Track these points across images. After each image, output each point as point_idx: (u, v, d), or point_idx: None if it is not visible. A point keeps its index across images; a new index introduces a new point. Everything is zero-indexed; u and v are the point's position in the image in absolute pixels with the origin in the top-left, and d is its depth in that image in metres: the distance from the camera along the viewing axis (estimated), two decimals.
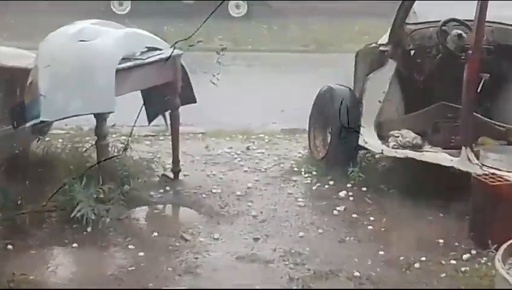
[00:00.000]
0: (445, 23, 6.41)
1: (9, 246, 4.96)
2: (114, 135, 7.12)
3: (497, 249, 4.83)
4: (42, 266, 4.76)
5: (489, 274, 4.61)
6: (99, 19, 6.25)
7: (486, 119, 6.02)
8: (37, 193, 5.53)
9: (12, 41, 9.92)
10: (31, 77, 5.48)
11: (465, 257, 4.96)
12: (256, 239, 5.29)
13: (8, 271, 4.58)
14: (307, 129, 7.24)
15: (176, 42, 5.88)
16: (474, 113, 5.79)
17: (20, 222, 5.21)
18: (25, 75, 5.56)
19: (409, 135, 6.26)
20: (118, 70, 5.53)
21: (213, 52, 6.34)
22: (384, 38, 6.72)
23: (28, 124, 5.46)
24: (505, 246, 3.49)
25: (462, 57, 5.92)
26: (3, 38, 11.81)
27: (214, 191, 6.26)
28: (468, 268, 4.77)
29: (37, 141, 6.46)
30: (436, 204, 5.83)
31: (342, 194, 6.19)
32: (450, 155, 5.84)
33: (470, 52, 5.70)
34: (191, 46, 5.91)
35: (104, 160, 5.58)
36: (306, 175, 6.70)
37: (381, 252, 5.06)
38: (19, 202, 5.38)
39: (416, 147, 6.19)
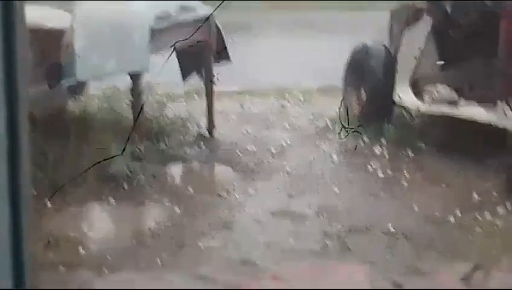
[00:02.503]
0: None
1: (48, 204, 5.04)
2: (149, 94, 7.16)
3: None
4: (80, 222, 4.84)
5: None
6: None
7: None
8: (74, 152, 5.60)
9: (47, 1, 9.96)
10: (66, 38, 5.53)
11: (500, 212, 4.94)
12: (291, 195, 5.32)
13: (47, 228, 4.66)
14: (342, 87, 7.22)
15: (176, 42, 5.89)
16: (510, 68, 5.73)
17: (58, 180, 5.29)
18: (61, 36, 5.61)
19: (445, 91, 6.22)
20: (152, 30, 5.55)
21: (250, 10, 6.33)
22: None
23: (64, 84, 5.52)
24: None
25: (499, 12, 5.84)
26: None
27: (248, 148, 6.29)
28: (503, 223, 4.76)
29: (74, 101, 6.54)
30: (472, 160, 5.80)
31: (377, 150, 6.19)
32: (486, 110, 5.80)
33: (507, 8, 5.62)
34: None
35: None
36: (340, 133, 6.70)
37: (416, 208, 5.06)
38: (58, 161, 5.45)
39: (451, 103, 6.15)
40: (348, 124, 6.39)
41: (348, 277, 4.05)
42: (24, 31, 0.92)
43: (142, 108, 5.84)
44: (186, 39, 5.63)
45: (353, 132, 6.35)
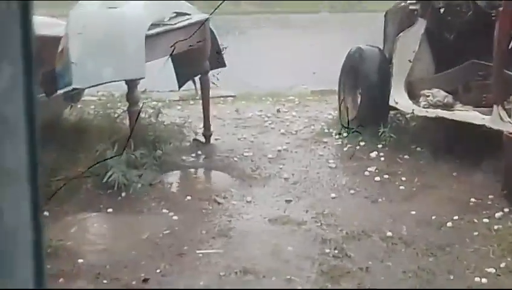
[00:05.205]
0: None
1: (46, 213, 5.03)
2: (145, 101, 7.15)
3: None
4: (78, 231, 4.83)
5: None
6: None
7: None
8: (71, 159, 5.59)
9: (43, 9, 9.96)
10: (61, 45, 5.51)
11: (497, 215, 4.95)
12: (288, 201, 5.32)
13: (45, 237, 4.65)
14: (337, 90, 7.23)
15: (176, 42, 5.91)
16: (506, 71, 5.74)
17: (55, 189, 5.28)
18: (56, 43, 5.59)
19: (440, 94, 6.23)
20: (147, 37, 5.55)
21: (241, 15, 6.34)
22: None
23: (59, 92, 5.51)
24: None
25: (493, 14, 5.85)
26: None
27: (245, 154, 6.29)
28: (500, 226, 4.77)
29: (70, 108, 6.53)
30: (468, 163, 5.81)
31: (373, 154, 6.19)
32: (482, 113, 5.80)
33: (501, 8, 5.64)
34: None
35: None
36: (337, 137, 6.71)
37: (413, 212, 5.07)
38: (54, 169, 5.44)
39: (447, 106, 6.15)
40: (348, 126, 6.43)
41: None
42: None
43: (138, 114, 5.80)
44: (185, 39, 5.67)
45: (353, 132, 6.35)
